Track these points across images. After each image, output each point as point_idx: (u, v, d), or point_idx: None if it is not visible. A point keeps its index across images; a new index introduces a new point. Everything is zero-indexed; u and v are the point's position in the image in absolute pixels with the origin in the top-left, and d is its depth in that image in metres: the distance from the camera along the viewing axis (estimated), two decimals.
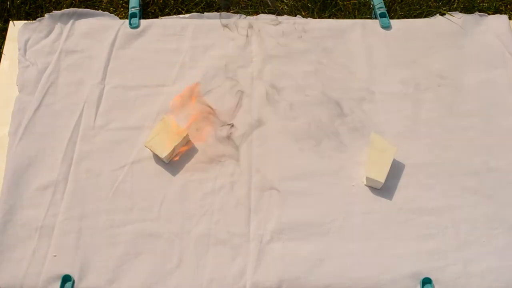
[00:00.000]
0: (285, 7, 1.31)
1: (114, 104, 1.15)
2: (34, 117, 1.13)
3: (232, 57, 1.22)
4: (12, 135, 1.11)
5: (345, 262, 0.99)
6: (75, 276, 0.97)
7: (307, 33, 1.25)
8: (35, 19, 1.26)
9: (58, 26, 1.25)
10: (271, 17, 1.28)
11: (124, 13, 1.30)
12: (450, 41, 1.24)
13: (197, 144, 1.11)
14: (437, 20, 1.27)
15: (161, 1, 1.32)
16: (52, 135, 1.11)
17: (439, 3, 1.32)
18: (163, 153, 1.05)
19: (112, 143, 1.11)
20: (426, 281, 0.97)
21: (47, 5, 1.31)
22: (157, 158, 1.09)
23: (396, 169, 1.08)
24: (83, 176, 1.07)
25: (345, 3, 1.32)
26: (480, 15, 1.27)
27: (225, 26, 1.25)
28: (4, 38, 1.24)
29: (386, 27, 1.26)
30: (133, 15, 1.26)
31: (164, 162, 1.08)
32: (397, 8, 1.30)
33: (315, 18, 1.29)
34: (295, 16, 1.29)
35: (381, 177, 1.03)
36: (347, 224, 1.03)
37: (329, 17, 1.30)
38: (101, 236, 1.01)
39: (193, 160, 1.09)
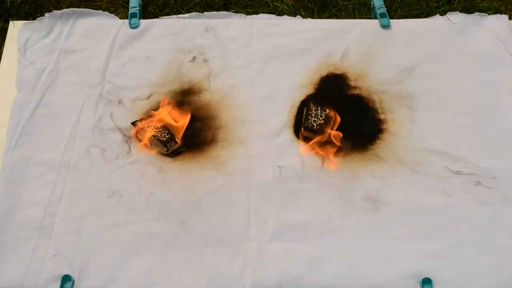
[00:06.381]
0: (285, 7, 1.30)
1: (113, 104, 1.15)
2: (32, 117, 1.13)
3: (232, 57, 1.22)
4: (10, 134, 1.11)
5: (345, 262, 0.99)
6: (75, 276, 0.97)
7: (307, 33, 1.24)
8: (35, 19, 1.26)
9: (58, 26, 1.25)
10: (271, 17, 1.28)
11: (124, 13, 1.30)
12: (450, 41, 1.23)
13: (196, 144, 1.11)
14: (437, 20, 1.27)
15: (161, 1, 1.32)
16: (51, 134, 1.11)
17: (439, 3, 1.32)
18: None
19: (111, 143, 1.11)
20: (426, 281, 0.97)
21: (47, 4, 1.31)
22: (156, 158, 1.09)
23: (396, 169, 1.08)
24: (82, 176, 1.07)
25: (345, 3, 1.32)
26: (480, 15, 1.26)
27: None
28: (4, 38, 1.24)
29: (386, 27, 1.26)
30: (133, 15, 1.26)
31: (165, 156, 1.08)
32: (397, 8, 1.30)
33: (315, 18, 1.29)
34: (295, 16, 1.29)
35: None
36: (346, 224, 1.02)
37: (329, 17, 1.30)
38: (100, 236, 1.01)
39: (192, 160, 1.09)
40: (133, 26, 1.25)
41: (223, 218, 1.03)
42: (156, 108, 1.14)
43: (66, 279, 0.97)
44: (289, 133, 1.12)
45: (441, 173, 1.08)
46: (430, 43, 1.23)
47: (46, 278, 0.97)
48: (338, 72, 1.20)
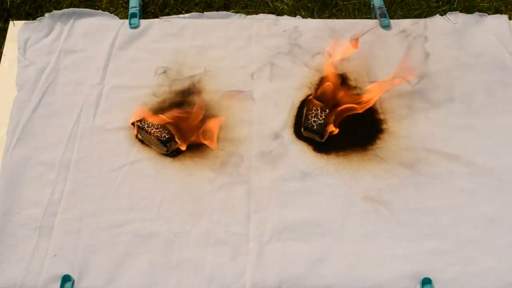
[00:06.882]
0: (285, 7, 1.31)
1: (113, 104, 1.15)
2: (32, 117, 1.13)
3: (232, 57, 1.22)
4: (10, 134, 1.11)
5: (345, 262, 0.99)
6: (75, 276, 0.97)
7: (307, 33, 1.24)
8: (35, 19, 1.26)
9: (58, 26, 1.25)
10: (271, 17, 1.28)
11: (124, 13, 1.30)
12: (450, 41, 1.23)
13: (196, 144, 1.11)
14: (437, 20, 1.27)
15: (161, 1, 1.32)
16: (50, 134, 1.11)
17: (439, 3, 1.32)
18: None
19: (111, 143, 1.11)
20: (426, 281, 0.97)
21: (47, 4, 1.31)
22: (156, 158, 1.09)
23: (396, 169, 1.08)
24: (82, 176, 1.07)
25: (345, 3, 1.32)
26: (480, 15, 1.26)
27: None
28: (4, 38, 1.25)
29: (386, 27, 1.26)
30: (133, 15, 1.26)
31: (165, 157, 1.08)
32: (397, 8, 1.30)
33: (315, 18, 1.29)
34: (295, 16, 1.29)
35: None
36: (346, 224, 1.02)
37: (329, 17, 1.30)
38: (100, 236, 1.01)
39: (192, 160, 1.09)
40: (133, 26, 1.25)
41: (223, 218, 1.03)
42: (157, 108, 1.14)
43: (66, 279, 0.97)
44: (289, 133, 1.12)
45: (441, 173, 1.08)
46: (430, 43, 1.23)
47: (46, 278, 0.97)
48: (338, 72, 1.20)
